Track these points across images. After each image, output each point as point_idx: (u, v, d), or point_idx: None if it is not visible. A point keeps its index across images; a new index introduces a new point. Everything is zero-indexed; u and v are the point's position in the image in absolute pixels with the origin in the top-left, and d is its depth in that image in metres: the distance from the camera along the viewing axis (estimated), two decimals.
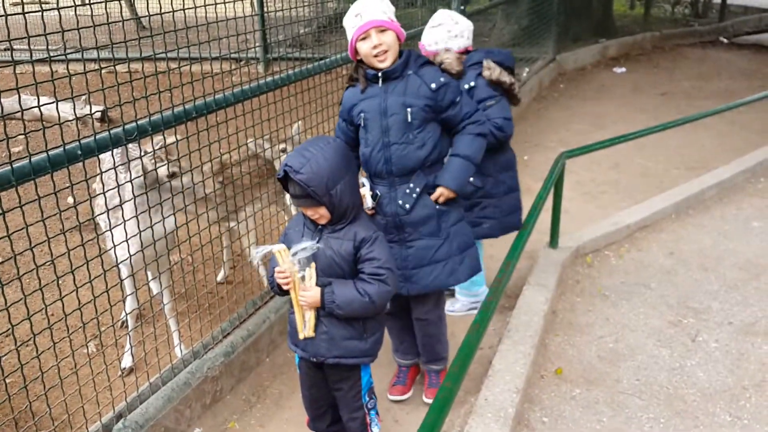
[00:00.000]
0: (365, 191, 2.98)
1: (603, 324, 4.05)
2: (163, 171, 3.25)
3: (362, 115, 3.06)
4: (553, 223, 4.66)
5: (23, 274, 2.59)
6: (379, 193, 3.05)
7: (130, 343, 3.76)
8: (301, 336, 2.63)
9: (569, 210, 5.53)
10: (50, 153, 2.32)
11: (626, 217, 5.23)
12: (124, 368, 3.73)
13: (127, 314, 3.07)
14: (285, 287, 2.60)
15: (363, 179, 3.03)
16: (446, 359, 3.54)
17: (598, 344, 3.84)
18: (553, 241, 4.67)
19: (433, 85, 3.00)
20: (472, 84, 3.68)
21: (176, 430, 3.10)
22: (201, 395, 3.24)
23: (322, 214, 2.58)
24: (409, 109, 3.00)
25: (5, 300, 2.35)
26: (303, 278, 2.57)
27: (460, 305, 4.27)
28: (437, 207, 3.12)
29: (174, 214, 3.32)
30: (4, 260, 4.25)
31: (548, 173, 4.26)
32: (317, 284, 2.59)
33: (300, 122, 4.32)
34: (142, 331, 3.81)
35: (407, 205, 3.09)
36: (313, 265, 2.58)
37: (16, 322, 2.47)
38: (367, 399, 2.89)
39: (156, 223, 3.05)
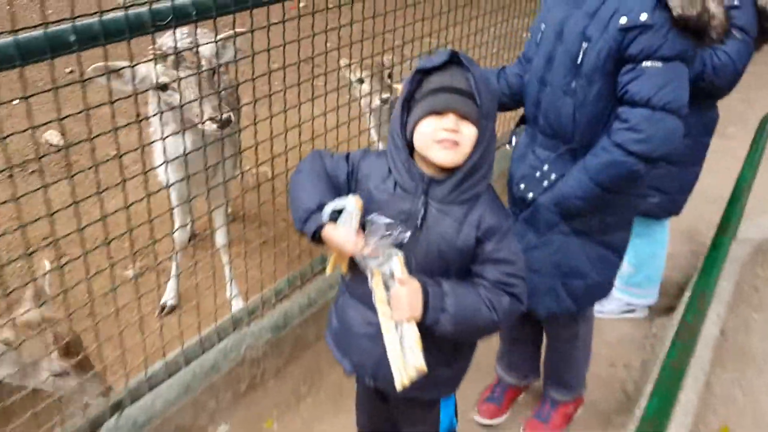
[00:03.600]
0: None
1: None
2: None
3: (542, 27, 2.06)
4: (732, 204, 3.42)
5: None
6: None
7: (176, 280, 3.00)
8: (399, 385, 1.55)
9: (754, 188, 4.22)
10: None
11: None
12: (164, 304, 2.99)
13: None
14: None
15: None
16: (576, 390, 2.57)
17: None
18: (733, 230, 3.45)
19: (624, 20, 1.85)
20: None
21: (193, 427, 2.31)
22: (233, 381, 2.43)
23: (465, 140, 1.56)
24: (585, 44, 1.89)
25: None
26: (390, 274, 1.59)
27: (616, 306, 3.21)
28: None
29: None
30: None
31: (753, 139, 3.02)
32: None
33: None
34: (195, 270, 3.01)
35: (530, 194, 2.09)
36: (400, 256, 1.60)
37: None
38: None
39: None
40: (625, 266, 3.12)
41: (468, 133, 1.57)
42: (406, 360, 1.54)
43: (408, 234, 1.59)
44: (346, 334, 1.78)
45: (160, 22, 1.74)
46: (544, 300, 2.19)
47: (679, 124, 1.86)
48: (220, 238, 2.88)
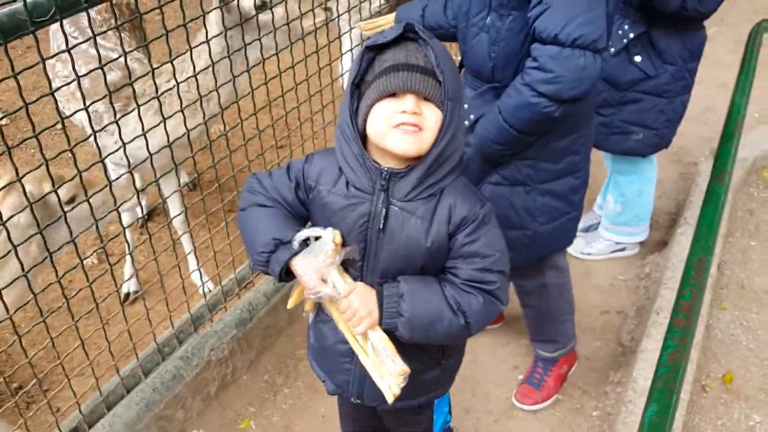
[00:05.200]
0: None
1: None
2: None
3: None
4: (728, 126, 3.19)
5: None
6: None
7: (133, 266, 2.78)
8: (390, 398, 1.40)
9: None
10: None
11: None
12: (127, 293, 2.78)
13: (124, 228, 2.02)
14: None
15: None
16: (562, 343, 2.40)
17: None
18: None
19: None
20: None
21: None
22: (201, 386, 2.25)
23: (429, 126, 1.33)
24: None
25: None
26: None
27: (604, 246, 3.01)
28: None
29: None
30: None
31: (744, 56, 2.74)
32: (365, 281, 1.42)
33: None
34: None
35: (471, 116, 1.92)
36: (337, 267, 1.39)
37: None
38: None
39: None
40: (612, 205, 2.92)
41: (431, 116, 1.32)
42: (388, 370, 1.40)
43: (357, 253, 1.37)
44: (324, 353, 1.62)
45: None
46: None
47: (593, 61, 1.66)
48: (179, 224, 2.63)
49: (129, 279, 2.76)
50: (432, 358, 1.58)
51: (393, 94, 1.32)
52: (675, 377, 1.40)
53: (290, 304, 1.51)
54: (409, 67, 1.31)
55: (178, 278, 2.19)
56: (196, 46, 2.06)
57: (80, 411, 1.95)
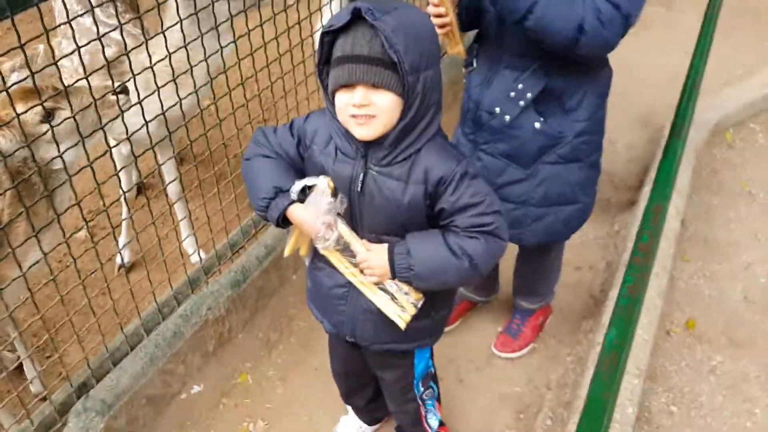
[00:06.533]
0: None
1: (750, 242, 2.95)
2: None
3: None
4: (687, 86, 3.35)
5: None
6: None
7: (127, 235, 2.90)
8: (402, 324, 1.60)
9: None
10: None
11: None
12: (120, 264, 2.90)
13: (124, 193, 2.12)
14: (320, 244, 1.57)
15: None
16: (546, 297, 2.58)
17: (745, 277, 2.79)
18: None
19: None
20: None
21: (166, 395, 2.29)
22: (200, 343, 2.39)
23: (381, 111, 1.43)
24: None
25: None
26: (338, 241, 1.54)
27: None
28: (543, 127, 1.97)
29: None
30: None
31: (704, 20, 2.90)
32: (371, 240, 1.58)
33: None
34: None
35: (507, 117, 1.95)
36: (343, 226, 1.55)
37: None
38: (422, 389, 1.98)
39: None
40: None
41: (382, 102, 1.42)
42: (400, 302, 1.58)
43: (346, 202, 1.51)
44: (321, 296, 1.76)
45: None
46: (532, 231, 2.14)
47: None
48: (173, 191, 2.74)
49: (123, 247, 2.88)
50: (422, 308, 1.72)
51: (345, 86, 1.43)
52: (633, 307, 1.57)
53: (287, 251, 1.65)
54: (354, 59, 1.39)
55: (174, 243, 2.32)
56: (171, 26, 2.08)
57: (88, 365, 2.09)
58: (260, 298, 2.63)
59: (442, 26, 1.85)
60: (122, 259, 2.89)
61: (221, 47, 2.21)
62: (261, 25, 2.30)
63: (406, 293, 1.58)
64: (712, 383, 2.37)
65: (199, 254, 2.76)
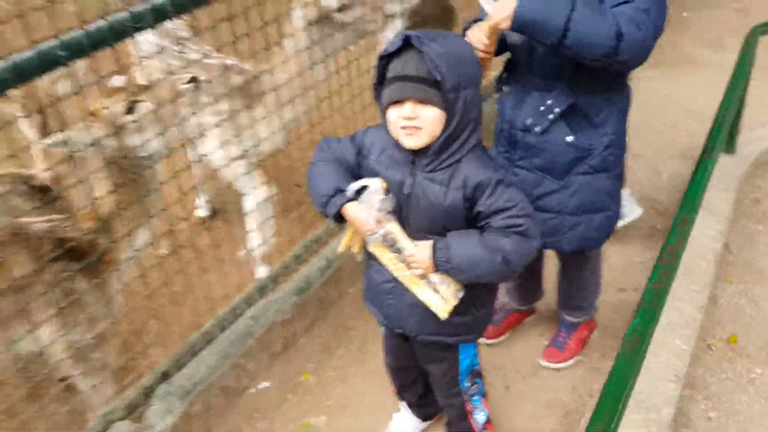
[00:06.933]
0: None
1: None
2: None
3: None
4: (734, 120, 3.51)
5: None
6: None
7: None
8: (444, 315, 1.82)
9: (750, 102, 4.28)
10: None
11: None
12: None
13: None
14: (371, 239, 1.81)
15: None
16: (588, 312, 2.72)
17: None
18: (731, 144, 3.55)
19: None
20: None
21: (238, 388, 2.53)
22: (268, 344, 2.63)
23: (427, 123, 1.68)
24: None
25: None
26: (385, 237, 1.78)
27: None
28: (575, 141, 2.17)
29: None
30: None
31: (739, 57, 3.08)
32: (417, 237, 1.80)
33: None
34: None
35: (537, 128, 2.16)
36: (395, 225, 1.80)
37: None
38: (468, 384, 2.16)
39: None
40: None
41: (428, 115, 1.68)
42: (442, 294, 1.80)
43: (395, 201, 1.75)
44: (373, 291, 2.00)
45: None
46: (568, 238, 2.32)
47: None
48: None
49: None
50: (463, 303, 1.89)
51: (396, 102, 1.70)
52: (658, 300, 1.74)
53: (341, 248, 1.89)
54: (404, 78, 1.67)
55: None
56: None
57: (170, 358, 2.35)
58: (321, 308, 2.87)
59: (484, 52, 2.06)
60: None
61: (328, 74, 2.56)
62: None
63: (447, 285, 1.79)
64: (751, 393, 2.46)
65: (262, 269, 2.98)
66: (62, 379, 2.46)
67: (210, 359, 2.42)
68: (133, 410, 2.27)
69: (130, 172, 2.10)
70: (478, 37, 2.02)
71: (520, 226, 1.73)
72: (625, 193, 3.25)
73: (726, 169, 3.45)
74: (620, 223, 3.23)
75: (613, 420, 1.49)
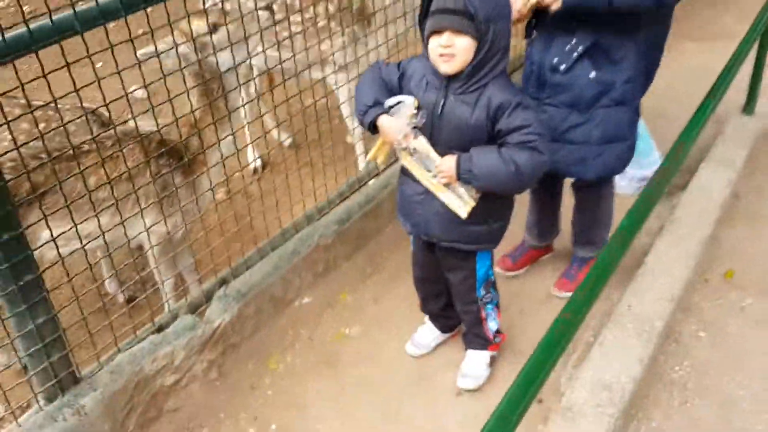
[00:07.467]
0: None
1: None
2: None
3: None
4: (753, 83, 3.73)
5: None
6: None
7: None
8: (464, 214, 2.18)
9: None
10: None
11: None
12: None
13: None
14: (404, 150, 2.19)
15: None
16: (599, 247, 3.02)
17: None
18: (749, 106, 3.77)
19: None
20: None
21: (284, 299, 2.94)
22: (312, 264, 3.02)
23: (460, 51, 2.03)
24: None
25: None
26: (414, 150, 2.14)
27: (627, 182, 3.57)
28: (597, 77, 2.48)
29: None
30: None
31: (757, 16, 3.30)
32: (445, 152, 2.16)
33: None
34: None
35: (563, 66, 2.47)
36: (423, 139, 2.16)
37: None
38: (483, 293, 2.51)
39: None
40: None
41: (461, 44, 2.03)
42: (462, 198, 2.16)
43: (424, 118, 2.10)
44: (404, 203, 2.38)
45: None
46: (593, 166, 2.63)
47: None
48: None
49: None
50: (480, 214, 2.24)
51: (436, 32, 2.04)
52: (644, 207, 2.04)
53: (370, 156, 2.26)
54: (443, 11, 2.02)
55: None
56: None
57: (230, 265, 2.77)
58: (360, 238, 3.25)
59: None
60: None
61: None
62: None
63: (467, 190, 2.14)
64: (742, 319, 2.73)
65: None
66: (129, 300, 2.94)
67: (262, 270, 2.83)
68: (195, 309, 2.69)
69: (214, 89, 2.46)
70: (518, 8, 2.32)
71: (533, 141, 2.06)
72: (657, 154, 3.52)
73: (745, 128, 3.67)
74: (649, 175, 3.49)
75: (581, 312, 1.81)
